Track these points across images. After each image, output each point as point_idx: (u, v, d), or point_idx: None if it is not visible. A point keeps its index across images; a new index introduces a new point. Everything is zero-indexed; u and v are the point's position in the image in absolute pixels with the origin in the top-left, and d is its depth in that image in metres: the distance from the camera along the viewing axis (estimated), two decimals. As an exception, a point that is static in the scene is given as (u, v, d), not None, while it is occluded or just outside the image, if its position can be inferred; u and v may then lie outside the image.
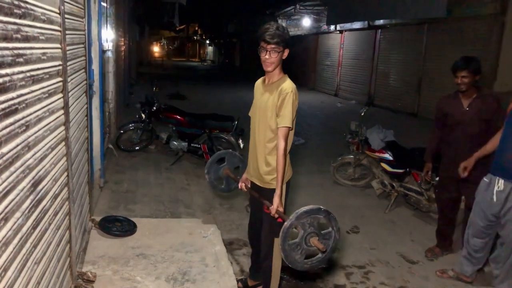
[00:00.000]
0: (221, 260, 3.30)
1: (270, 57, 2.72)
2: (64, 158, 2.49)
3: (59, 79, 2.36)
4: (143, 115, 6.77)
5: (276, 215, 2.72)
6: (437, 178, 4.33)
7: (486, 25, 10.14)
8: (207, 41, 48.96)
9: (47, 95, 2.09)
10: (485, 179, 3.26)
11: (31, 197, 1.84)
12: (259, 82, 2.98)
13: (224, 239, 4.13)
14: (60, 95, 2.40)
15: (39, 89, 1.96)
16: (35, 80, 1.89)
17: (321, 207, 2.41)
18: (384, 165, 5.19)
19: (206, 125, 6.50)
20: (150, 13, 20.11)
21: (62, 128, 2.44)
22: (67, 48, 2.52)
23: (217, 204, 5.14)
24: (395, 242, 4.39)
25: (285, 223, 2.36)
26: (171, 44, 56.96)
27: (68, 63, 2.59)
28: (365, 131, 5.39)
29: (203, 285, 2.95)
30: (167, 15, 19.93)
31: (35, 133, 1.89)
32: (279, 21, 20.23)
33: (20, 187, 1.70)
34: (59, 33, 2.34)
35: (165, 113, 6.72)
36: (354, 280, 3.67)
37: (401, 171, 5.02)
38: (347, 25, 16.51)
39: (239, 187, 3.16)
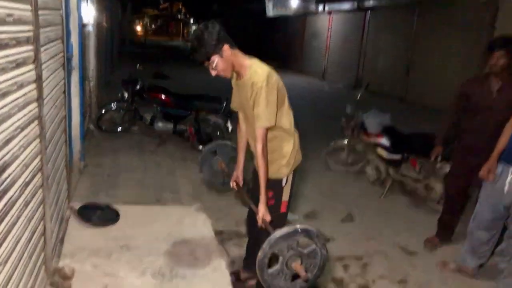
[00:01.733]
0: (212, 252, 3.04)
1: (214, 69, 2.41)
2: (37, 140, 2.17)
3: (30, 47, 2.02)
4: (126, 94, 6.40)
5: (263, 225, 2.46)
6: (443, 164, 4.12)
7: (479, 10, 9.95)
8: (191, 20, 47.90)
9: (13, 65, 1.77)
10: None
11: (-6, 187, 1.54)
12: (233, 77, 2.63)
13: (214, 228, 3.88)
14: (31, 66, 2.07)
15: (3, 57, 1.64)
16: (-2, 46, 1.57)
17: (298, 227, 2.05)
18: (380, 150, 4.97)
19: (193, 106, 6.17)
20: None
21: (34, 104, 2.12)
22: (40, 12, 2.17)
23: (204, 190, 4.85)
24: (392, 232, 4.20)
25: (259, 254, 2.04)
26: (154, 23, 55.65)
27: (41, 30, 2.25)
28: (361, 115, 5.15)
29: (194, 282, 2.69)
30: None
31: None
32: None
33: (-23, 176, 1.39)
34: (29, -7, 2.00)
35: (149, 93, 6.36)
36: (352, 272, 3.47)
37: (398, 157, 4.81)
38: (336, 6, 16.18)
39: (231, 185, 2.90)
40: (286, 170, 2.68)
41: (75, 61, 4.13)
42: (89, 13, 6.31)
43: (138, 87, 6.35)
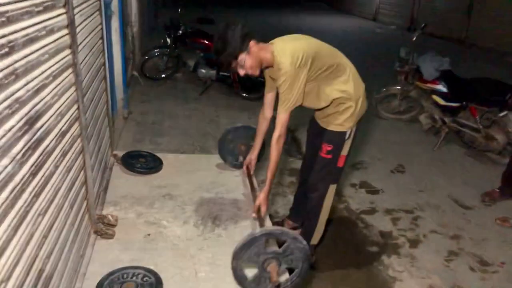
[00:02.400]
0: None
1: (243, 68, 2.31)
2: (73, 88, 2.09)
3: (59, -12, 1.89)
4: (168, 40, 6.26)
5: (255, 215, 2.42)
6: None
7: None
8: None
9: (41, 8, 1.65)
10: None
11: (25, 137, 1.47)
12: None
13: (257, 178, 3.81)
14: (62, 10, 1.94)
15: (27, -1, 1.51)
16: (19, -15, 1.44)
17: (256, 233, 1.91)
18: (436, 97, 4.60)
19: (236, 50, 5.95)
20: None
21: (68, 51, 2.01)
22: (68, -51, 2.02)
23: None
24: (446, 184, 3.96)
25: (232, 268, 1.95)
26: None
27: (71, -30, 2.10)
28: (416, 59, 4.75)
29: (235, 232, 2.64)
30: None
31: (25, 57, 1.47)
32: None
33: (5, 127, 1.32)
34: None
35: (192, 38, 6.18)
36: (401, 226, 3.31)
37: (456, 104, 4.44)
38: None
39: (243, 169, 2.86)
40: (351, 123, 2.56)
41: (115, 4, 4.00)
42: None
43: (180, 32, 6.18)
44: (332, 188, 2.69)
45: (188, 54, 6.54)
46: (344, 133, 2.57)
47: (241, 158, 3.18)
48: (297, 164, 4.16)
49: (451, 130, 4.62)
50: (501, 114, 3.99)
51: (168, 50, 6.34)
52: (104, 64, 3.07)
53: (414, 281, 2.72)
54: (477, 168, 4.29)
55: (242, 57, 2.26)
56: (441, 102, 4.51)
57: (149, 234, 2.57)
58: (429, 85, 4.59)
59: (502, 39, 10.02)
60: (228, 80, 6.10)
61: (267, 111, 2.75)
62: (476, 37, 11.06)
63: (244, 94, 6.07)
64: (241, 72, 2.35)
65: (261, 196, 2.43)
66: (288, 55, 2.25)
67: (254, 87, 6.00)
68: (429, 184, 3.95)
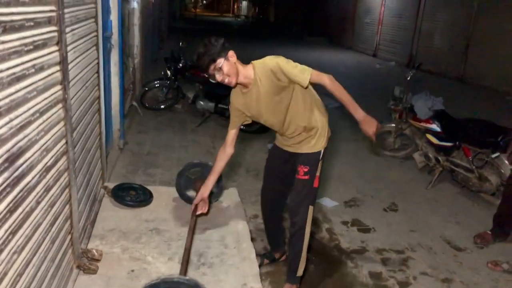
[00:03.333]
0: (243, 241, 2.93)
1: (220, 73, 2.41)
2: (61, 123, 2.12)
3: (52, 28, 1.95)
4: (168, 72, 6.38)
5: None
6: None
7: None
8: (242, -4, 47.44)
9: (30, 47, 1.69)
10: None
11: (4, 175, 1.48)
12: (236, 96, 2.70)
13: (248, 212, 3.79)
14: (55, 47, 2.00)
15: (17, 39, 1.56)
16: (9, 28, 1.49)
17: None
18: (430, 136, 4.63)
19: (234, 85, 6.04)
20: (183, -36, 19.28)
21: (58, 87, 2.06)
22: (65, -9, 2.09)
23: (243, 171, 4.78)
24: (439, 224, 3.93)
25: None
26: (205, -1, 55.72)
27: (67, 10, 2.17)
28: (410, 98, 4.80)
29: (221, 270, 2.61)
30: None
31: (9, 96, 1.51)
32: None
33: (-17, 165, 1.34)
34: (50, -29, 1.91)
35: (191, 71, 6.29)
36: (391, 267, 3.27)
37: (449, 144, 4.46)
38: (392, -20, 15.30)
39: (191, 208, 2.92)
40: (323, 143, 2.68)
41: (115, 38, 4.09)
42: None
43: (180, 65, 6.30)
44: (311, 210, 2.73)
45: (187, 86, 6.65)
46: (319, 152, 2.67)
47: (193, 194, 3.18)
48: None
49: (445, 169, 4.63)
50: (494, 156, 4.00)
51: (168, 82, 6.45)
52: (98, 97, 3.12)
53: (401, 326, 2.66)
54: (471, 208, 4.27)
55: (220, 61, 2.37)
56: (435, 141, 4.53)
57: (132, 270, 2.54)
58: (423, 124, 4.62)
59: (498, 77, 10.16)
60: (226, 112, 6.16)
61: (229, 148, 2.88)
62: (473, 75, 11.21)
63: (242, 127, 6.10)
64: (218, 77, 2.43)
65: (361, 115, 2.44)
66: (273, 57, 2.46)
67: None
68: (422, 224, 3.92)
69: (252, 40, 20.70)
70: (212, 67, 2.39)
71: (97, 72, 3.06)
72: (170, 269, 2.60)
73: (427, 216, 4.07)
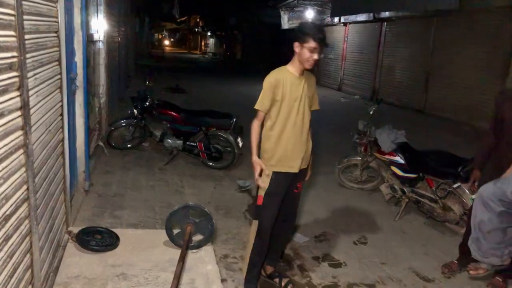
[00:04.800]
0: (212, 283, 2.89)
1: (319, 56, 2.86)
2: (22, 169, 2.07)
3: (13, 73, 1.93)
4: (135, 111, 6.35)
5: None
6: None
7: (498, 18, 9.66)
8: (209, 33, 48.31)
9: (-10, 94, 1.67)
10: None
11: (-40, 227, 1.43)
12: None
13: (218, 252, 3.73)
14: (16, 93, 1.98)
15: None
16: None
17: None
18: (394, 168, 4.77)
19: (202, 122, 6.08)
20: (150, 4, 19.60)
21: (19, 133, 2.02)
22: (27, 36, 2.09)
23: (212, 209, 4.72)
24: (407, 256, 3.98)
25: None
26: (173, 36, 56.37)
27: (29, 55, 2.16)
28: (374, 132, 4.96)
29: (191, 315, 2.55)
30: (166, 6, 19.46)
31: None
32: (282, 12, 19.67)
33: None
34: (12, 18, 1.91)
35: (158, 109, 6.29)
36: (363, 302, 3.27)
37: (413, 175, 4.60)
38: (352, 17, 16.00)
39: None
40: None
41: (80, 79, 4.07)
42: (99, 29, 6.31)
43: (147, 103, 6.29)
44: (255, 223, 3.07)
45: (155, 124, 6.62)
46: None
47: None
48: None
49: (411, 200, 4.74)
50: (455, 186, 4.14)
51: (135, 121, 6.41)
52: (62, 139, 3.07)
53: None
54: (437, 238, 4.35)
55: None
56: (400, 173, 4.66)
57: (98, 320, 2.45)
58: (387, 156, 4.76)
59: (457, 108, 10.64)
60: (195, 150, 6.16)
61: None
62: (433, 106, 11.69)
63: (211, 164, 6.12)
64: (316, 57, 2.86)
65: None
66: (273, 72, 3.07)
67: (220, 156, 6.08)
68: (391, 256, 3.96)
69: (219, 77, 20.99)
70: (321, 47, 2.84)
71: (61, 114, 3.03)
72: (137, 316, 2.52)
73: (396, 248, 4.12)
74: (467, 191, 4.00)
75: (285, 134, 2.97)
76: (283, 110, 2.94)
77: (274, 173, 2.98)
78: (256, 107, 2.96)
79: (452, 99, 10.95)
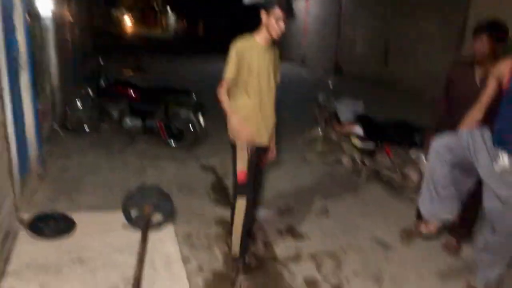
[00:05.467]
0: (173, 262, 2.85)
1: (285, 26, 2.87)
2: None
3: None
4: (90, 91, 6.11)
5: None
6: None
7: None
8: (169, 10, 47.00)
9: None
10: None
11: None
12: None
13: (181, 231, 3.68)
14: None
15: None
16: None
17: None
18: (354, 140, 4.81)
19: (161, 100, 5.92)
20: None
21: None
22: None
23: (175, 189, 4.64)
24: (368, 224, 4.06)
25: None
26: (132, 14, 54.61)
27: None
28: (334, 104, 4.97)
29: (151, 296, 2.50)
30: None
31: None
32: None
33: None
34: None
35: (115, 88, 6.08)
36: (325, 271, 3.31)
37: (372, 146, 4.66)
38: (312, -10, 15.90)
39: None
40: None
41: (24, 59, 3.84)
42: (45, 5, 5.95)
43: (103, 83, 6.06)
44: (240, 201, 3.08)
45: (112, 105, 6.40)
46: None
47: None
48: (226, 214, 4.10)
49: (371, 171, 4.81)
50: (412, 154, 4.23)
51: (91, 102, 6.17)
52: (4, 122, 2.89)
53: (337, 329, 2.69)
54: (396, 206, 4.46)
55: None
56: (359, 144, 4.71)
57: (53, 307, 2.37)
58: (346, 128, 4.79)
59: (416, 79, 10.85)
60: (155, 129, 6.01)
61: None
62: (393, 78, 11.88)
63: (172, 143, 5.99)
64: (283, 26, 2.90)
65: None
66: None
67: (181, 136, 5.96)
68: (352, 226, 4.03)
69: (180, 55, 20.55)
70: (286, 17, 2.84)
71: (0, 95, 2.84)
72: (94, 301, 2.45)
73: (357, 218, 4.19)
74: (423, 158, 4.09)
75: (254, 106, 2.95)
76: (250, 81, 2.91)
77: (247, 144, 2.97)
78: (223, 75, 2.91)
79: (410, 70, 11.15)
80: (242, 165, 2.95)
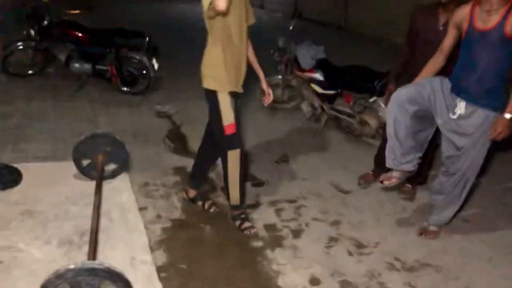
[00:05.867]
0: (130, 212, 2.75)
1: None
2: None
3: None
4: (32, 32, 5.61)
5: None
6: None
7: None
8: None
9: None
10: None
11: None
12: None
13: (138, 180, 3.57)
14: None
15: None
16: None
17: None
18: (314, 86, 4.74)
19: (112, 43, 5.55)
20: None
21: None
22: None
23: (130, 137, 4.46)
24: (327, 171, 4.09)
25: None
26: None
27: None
28: (294, 48, 4.83)
29: (107, 246, 2.42)
30: None
31: None
32: None
33: None
34: None
35: (60, 29, 5.61)
36: (285, 217, 3.33)
37: (332, 92, 4.62)
38: None
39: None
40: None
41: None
42: None
43: (46, 22, 5.57)
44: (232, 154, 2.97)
45: (58, 47, 5.93)
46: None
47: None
48: (183, 162, 4.00)
49: (330, 117, 4.81)
50: (371, 100, 4.23)
51: (33, 43, 5.69)
52: None
53: (296, 273, 2.74)
54: (354, 152, 4.51)
55: None
56: (319, 90, 4.65)
57: (1, 262, 2.24)
58: (307, 74, 4.70)
59: (376, 24, 10.78)
60: (106, 74, 5.67)
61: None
62: (354, 23, 11.76)
63: (125, 89, 5.70)
64: None
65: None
66: None
67: (134, 80, 5.67)
68: (311, 172, 4.05)
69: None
70: None
71: None
72: (47, 254, 2.34)
73: (316, 164, 4.22)
74: (382, 104, 4.10)
75: (232, 50, 2.78)
76: (224, 26, 2.70)
77: (229, 94, 2.83)
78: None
79: (370, 15, 11.04)
80: (229, 118, 2.83)
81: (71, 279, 1.74)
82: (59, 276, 1.73)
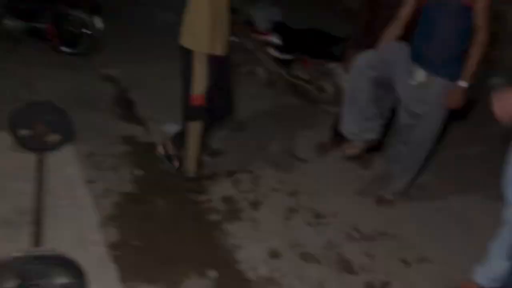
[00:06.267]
0: (76, 186, 2.53)
1: None
2: None
3: None
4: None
5: None
6: None
7: None
8: None
9: None
10: None
11: None
12: None
13: (83, 150, 3.30)
14: None
15: None
16: None
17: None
18: (270, 49, 4.57)
19: (50, -2, 5.03)
20: None
21: None
22: None
23: (72, 103, 4.10)
24: (284, 138, 4.01)
25: None
26: None
27: None
28: (249, 10, 4.60)
29: (55, 227, 2.21)
30: None
31: None
32: None
33: None
34: None
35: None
36: (243, 188, 3.24)
37: (289, 56, 4.47)
38: None
39: None
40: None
41: None
42: None
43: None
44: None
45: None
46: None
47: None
48: (132, 130, 3.76)
49: (287, 82, 4.68)
50: (329, 66, 4.14)
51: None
52: None
53: (255, 246, 2.68)
54: (312, 119, 4.43)
55: None
56: (275, 54, 4.49)
57: None
58: (263, 36, 4.51)
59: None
60: (43, 33, 5.17)
61: None
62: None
63: (65, 49, 5.23)
64: None
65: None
66: None
67: (75, 40, 5.21)
68: (268, 140, 3.94)
69: None
70: None
71: None
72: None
73: (272, 132, 4.11)
74: (341, 71, 4.02)
75: (213, 11, 2.57)
76: None
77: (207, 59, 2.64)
78: None
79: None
80: (200, 87, 2.65)
81: (18, 268, 1.55)
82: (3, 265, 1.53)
